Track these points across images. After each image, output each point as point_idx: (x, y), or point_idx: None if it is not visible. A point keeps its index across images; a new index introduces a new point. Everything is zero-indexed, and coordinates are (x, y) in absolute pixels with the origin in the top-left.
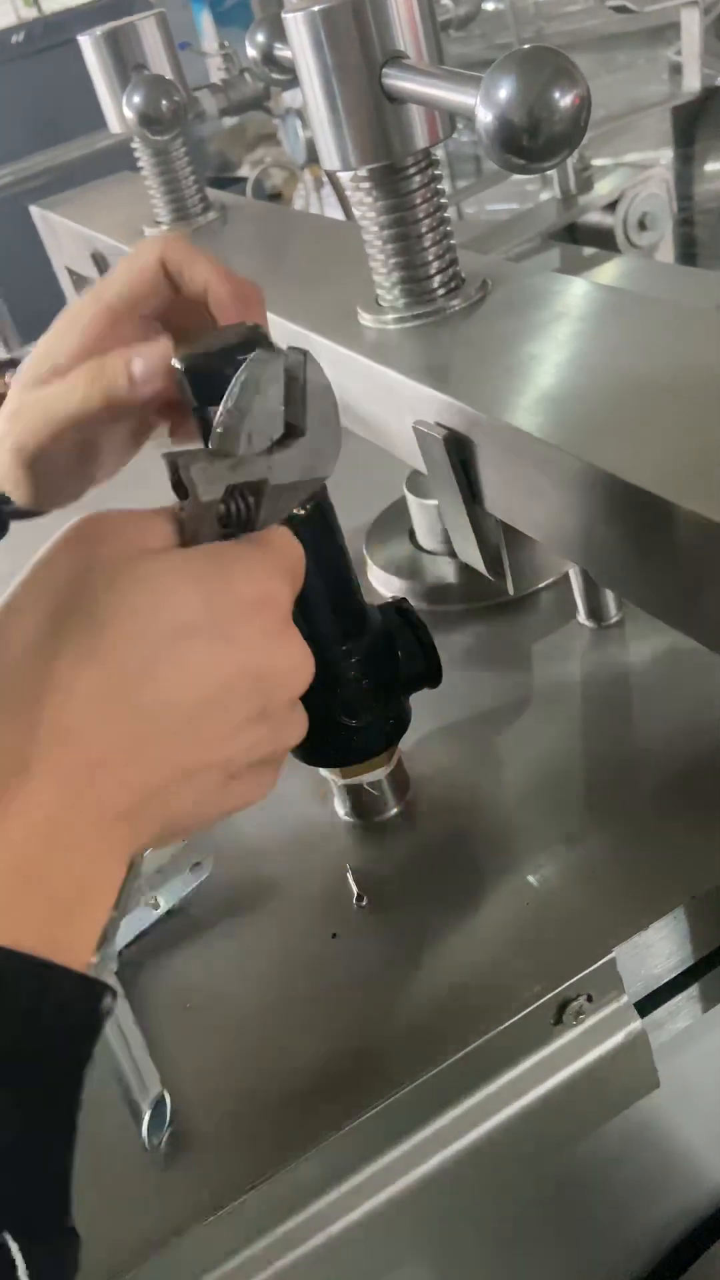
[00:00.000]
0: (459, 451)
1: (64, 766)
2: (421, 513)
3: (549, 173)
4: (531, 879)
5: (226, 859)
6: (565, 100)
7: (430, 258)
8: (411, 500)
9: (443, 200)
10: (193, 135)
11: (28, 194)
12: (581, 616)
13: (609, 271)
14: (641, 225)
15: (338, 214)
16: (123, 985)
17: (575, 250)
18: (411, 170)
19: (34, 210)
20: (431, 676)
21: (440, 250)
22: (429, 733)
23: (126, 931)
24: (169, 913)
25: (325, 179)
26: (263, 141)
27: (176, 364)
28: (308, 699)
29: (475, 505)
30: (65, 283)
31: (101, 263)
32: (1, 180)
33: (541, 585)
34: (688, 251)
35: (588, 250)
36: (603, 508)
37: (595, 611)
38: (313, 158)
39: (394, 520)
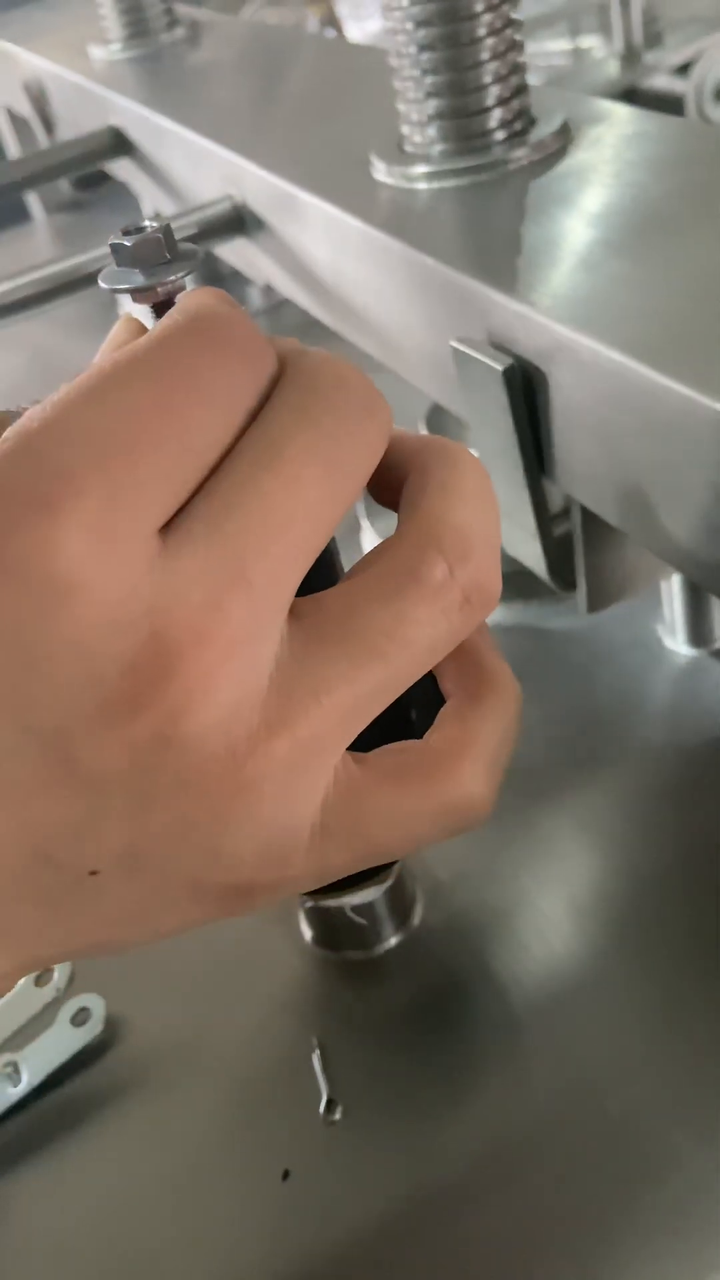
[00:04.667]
0: (526, 392)
1: None
2: None
3: (609, 23)
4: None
5: (126, 1009)
6: None
7: (488, 78)
8: None
9: None
10: None
11: None
12: (674, 638)
13: None
14: (719, 96)
15: None
16: None
17: None
18: None
19: None
20: None
21: (504, 68)
22: None
23: None
24: (37, 1089)
25: (332, 16)
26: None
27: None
28: None
29: (541, 476)
30: (5, 129)
31: (37, 96)
32: None
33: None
34: None
35: None
36: None
37: (696, 633)
38: None
39: None
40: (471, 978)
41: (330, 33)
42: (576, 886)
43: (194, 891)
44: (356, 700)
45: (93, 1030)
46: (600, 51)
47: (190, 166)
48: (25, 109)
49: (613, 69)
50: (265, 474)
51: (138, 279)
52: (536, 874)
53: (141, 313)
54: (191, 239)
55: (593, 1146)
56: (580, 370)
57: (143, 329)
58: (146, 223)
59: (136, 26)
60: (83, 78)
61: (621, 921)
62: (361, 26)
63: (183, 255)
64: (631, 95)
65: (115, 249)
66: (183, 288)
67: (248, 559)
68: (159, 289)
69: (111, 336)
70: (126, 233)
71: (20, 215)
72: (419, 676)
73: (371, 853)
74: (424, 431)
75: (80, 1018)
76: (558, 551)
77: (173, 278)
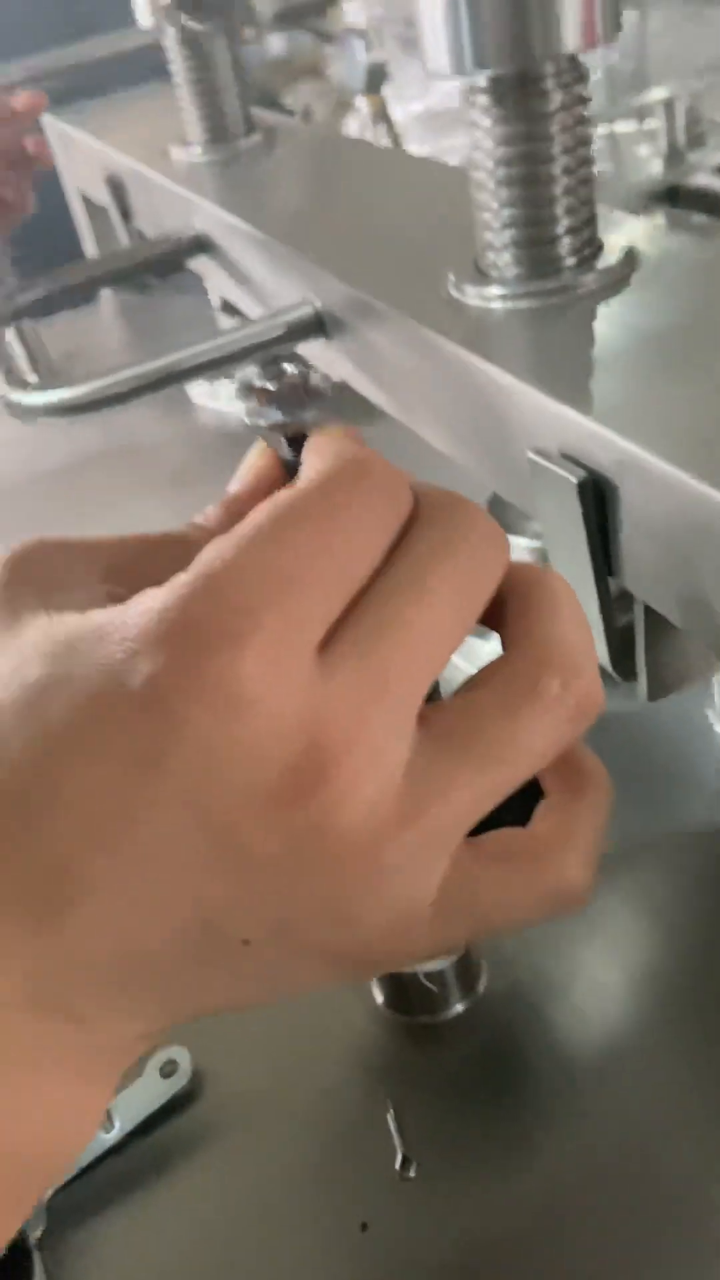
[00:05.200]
0: (598, 502)
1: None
2: None
3: (653, 125)
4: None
5: (210, 1062)
6: None
7: (560, 212)
8: None
9: (588, 131)
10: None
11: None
12: None
13: None
14: None
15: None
16: (47, 1252)
17: (681, 216)
18: (551, 83)
19: (47, 122)
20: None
21: (576, 201)
22: None
23: None
24: (128, 1135)
25: (384, 111)
26: (308, 74)
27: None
28: None
29: (608, 576)
30: (79, 213)
31: (118, 189)
32: (12, 79)
33: None
34: None
35: (696, 218)
36: None
37: None
38: (373, 87)
39: None
40: (532, 1043)
41: (382, 125)
42: (630, 959)
43: (329, 958)
44: (476, 797)
45: (180, 1081)
46: (644, 149)
47: (269, 270)
48: (103, 198)
49: (657, 168)
50: (407, 603)
51: (277, 416)
52: (593, 947)
53: (273, 438)
54: (276, 340)
55: (646, 1202)
56: (648, 485)
57: (275, 458)
58: (285, 365)
59: (216, 131)
60: (165, 178)
61: (671, 992)
62: (406, 108)
63: (317, 394)
64: (674, 193)
65: (260, 392)
66: (317, 423)
67: (390, 677)
68: (297, 425)
69: (248, 463)
70: (268, 375)
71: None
72: (530, 777)
73: (483, 929)
74: None
75: (168, 1069)
76: (620, 644)
77: (309, 415)
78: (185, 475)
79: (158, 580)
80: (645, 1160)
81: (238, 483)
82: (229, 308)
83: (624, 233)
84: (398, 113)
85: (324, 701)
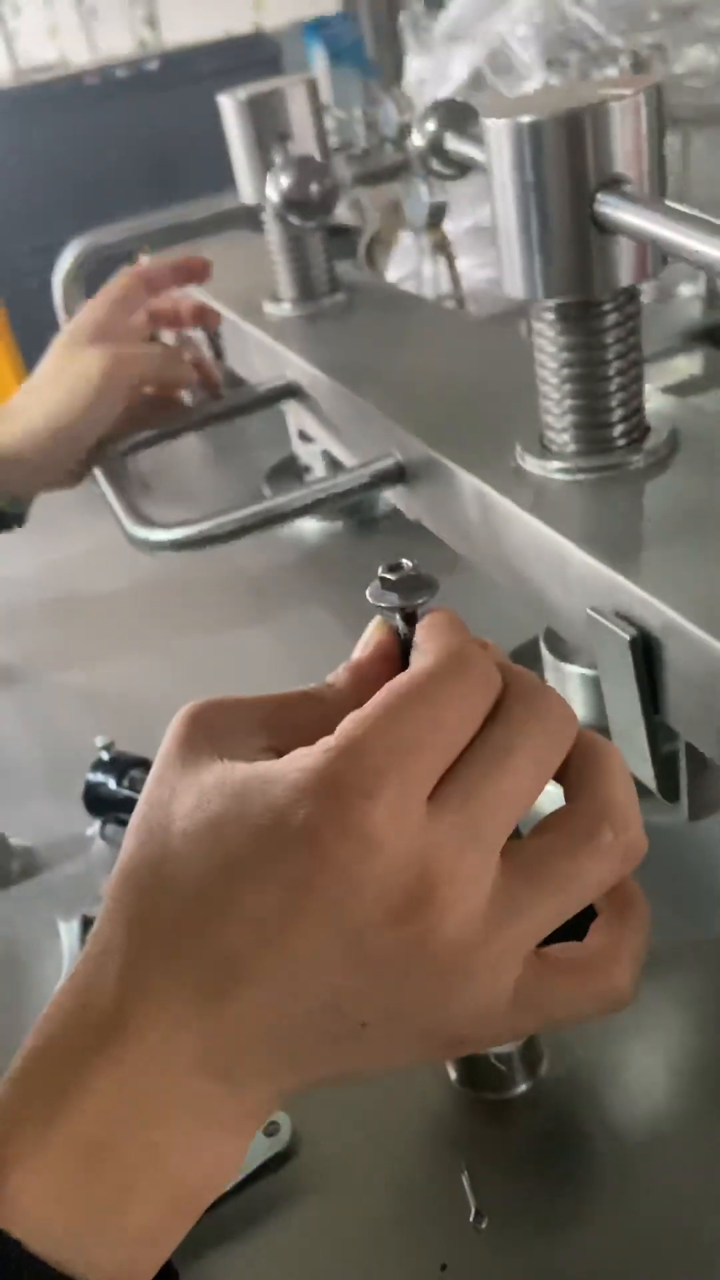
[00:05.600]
0: (647, 653)
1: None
2: (562, 683)
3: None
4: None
5: (305, 1126)
6: None
7: (614, 403)
8: (549, 661)
9: (637, 339)
10: None
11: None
12: None
13: None
14: None
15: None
16: None
17: None
18: (609, 308)
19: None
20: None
21: (627, 396)
22: None
23: None
24: (236, 1187)
25: (444, 243)
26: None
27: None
28: None
29: (655, 714)
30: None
31: (214, 333)
32: (117, 237)
33: None
34: None
35: None
36: None
37: None
38: (434, 222)
39: None
40: (587, 1120)
41: (441, 257)
42: (673, 1048)
43: (425, 1040)
44: (544, 919)
45: (281, 1141)
46: (685, 288)
47: (351, 420)
48: (198, 336)
49: (696, 309)
50: (497, 768)
51: (395, 599)
52: (641, 1037)
53: (391, 616)
54: (363, 488)
55: (690, 1262)
56: (688, 646)
57: (391, 629)
58: (403, 560)
59: (304, 289)
60: (259, 331)
61: (710, 1077)
62: (457, 224)
63: (427, 584)
64: (714, 332)
65: (384, 581)
66: (426, 606)
67: (482, 825)
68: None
69: (369, 635)
70: (390, 569)
71: None
72: (588, 904)
73: (547, 1022)
74: (544, 646)
75: (271, 1129)
76: (664, 770)
77: (420, 601)
78: (265, 584)
79: (301, 730)
80: (689, 1229)
81: (361, 650)
82: (305, 436)
83: (669, 415)
84: (449, 226)
85: (432, 842)
